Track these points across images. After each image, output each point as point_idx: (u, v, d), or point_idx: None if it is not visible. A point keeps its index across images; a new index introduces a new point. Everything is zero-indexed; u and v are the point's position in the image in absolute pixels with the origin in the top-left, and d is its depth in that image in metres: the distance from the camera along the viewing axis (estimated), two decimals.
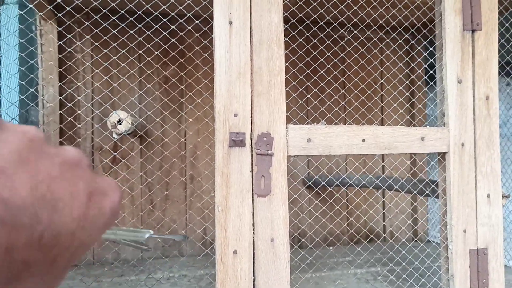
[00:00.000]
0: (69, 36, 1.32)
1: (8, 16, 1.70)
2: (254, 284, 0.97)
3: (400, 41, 1.52)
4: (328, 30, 1.44)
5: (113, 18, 1.32)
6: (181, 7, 1.18)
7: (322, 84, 1.56)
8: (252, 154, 0.98)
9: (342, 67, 1.75)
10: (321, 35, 1.32)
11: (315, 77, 1.55)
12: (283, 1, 1.02)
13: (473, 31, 1.15)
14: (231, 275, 0.95)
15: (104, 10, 1.24)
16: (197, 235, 1.85)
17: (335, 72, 1.60)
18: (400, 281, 1.37)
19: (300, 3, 1.18)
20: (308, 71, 1.59)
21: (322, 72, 1.55)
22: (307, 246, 1.94)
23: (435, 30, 1.19)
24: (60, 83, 1.68)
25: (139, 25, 1.32)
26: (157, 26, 1.25)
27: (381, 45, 2.03)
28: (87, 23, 1.25)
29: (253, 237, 0.97)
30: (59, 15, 1.24)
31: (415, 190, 1.29)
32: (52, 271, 0.18)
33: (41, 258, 0.17)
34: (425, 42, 1.62)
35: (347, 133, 1.05)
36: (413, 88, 1.72)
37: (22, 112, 1.70)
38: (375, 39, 2.01)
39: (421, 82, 2.04)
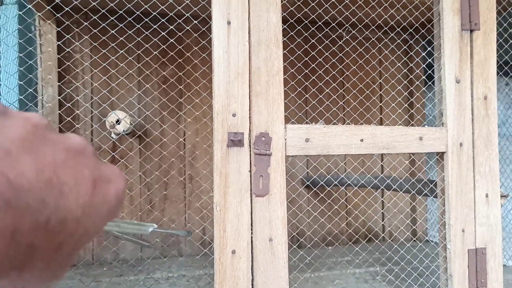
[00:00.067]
0: (68, 36, 1.32)
1: (7, 17, 1.70)
2: (252, 284, 0.97)
3: (398, 41, 1.52)
4: (326, 30, 1.44)
5: (112, 18, 1.32)
6: (179, 8, 1.18)
7: (321, 84, 1.56)
8: (250, 154, 0.98)
9: (341, 67, 1.75)
10: (320, 35, 1.32)
11: (314, 77, 1.55)
12: (282, 1, 1.02)
13: (471, 31, 1.15)
14: (230, 275, 0.95)
15: (103, 11, 1.24)
16: (196, 235, 1.85)
17: (334, 72, 1.60)
18: (399, 280, 1.37)
19: (299, 3, 1.19)
20: (307, 71, 1.59)
21: (320, 72, 1.55)
22: (306, 246, 1.94)
23: (434, 30, 1.19)
24: (59, 83, 1.68)
25: (138, 26, 1.32)
26: (155, 27, 1.25)
27: (380, 45, 2.03)
28: (86, 23, 1.25)
29: (252, 237, 0.98)
30: (58, 15, 1.24)
31: (413, 190, 1.29)
32: (57, 258, 0.18)
33: (47, 244, 0.16)
34: (423, 42, 1.62)
35: (346, 133, 1.05)
36: (412, 88, 1.72)
37: None
38: (374, 39, 2.01)
39: (419, 82, 2.04)
